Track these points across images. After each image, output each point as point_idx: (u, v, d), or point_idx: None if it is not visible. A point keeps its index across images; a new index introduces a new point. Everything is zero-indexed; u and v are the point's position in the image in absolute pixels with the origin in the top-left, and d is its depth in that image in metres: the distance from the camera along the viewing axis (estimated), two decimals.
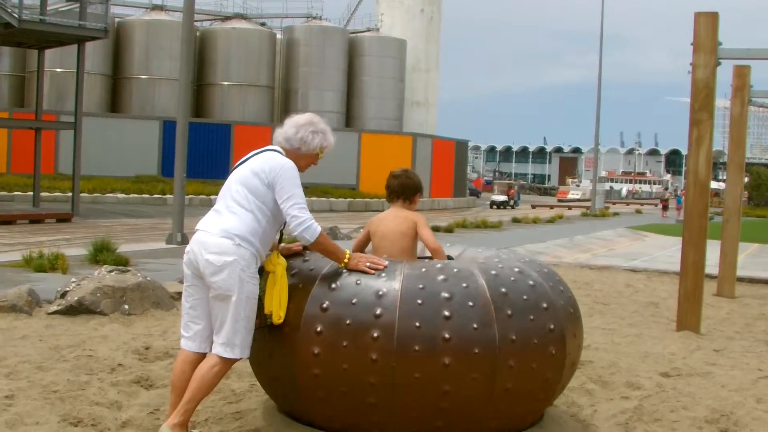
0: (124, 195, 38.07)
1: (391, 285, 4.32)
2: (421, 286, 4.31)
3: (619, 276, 14.58)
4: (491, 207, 56.67)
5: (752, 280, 14.53)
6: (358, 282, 4.34)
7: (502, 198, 59.27)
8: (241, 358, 4.40)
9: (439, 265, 4.51)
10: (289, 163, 4.42)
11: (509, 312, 4.36)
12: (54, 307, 8.21)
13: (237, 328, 4.29)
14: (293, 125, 4.56)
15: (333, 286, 4.36)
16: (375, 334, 4.19)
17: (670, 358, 7.31)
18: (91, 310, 8.15)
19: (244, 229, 4.31)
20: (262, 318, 4.42)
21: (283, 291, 4.38)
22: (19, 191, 34.82)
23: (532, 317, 4.43)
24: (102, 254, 12.81)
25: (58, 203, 31.45)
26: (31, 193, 28.52)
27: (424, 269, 4.44)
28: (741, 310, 11.01)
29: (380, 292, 4.28)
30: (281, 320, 4.36)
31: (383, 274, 4.38)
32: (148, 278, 8.89)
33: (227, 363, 4.35)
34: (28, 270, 11.69)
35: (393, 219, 4.99)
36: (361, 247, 5.09)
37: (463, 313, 4.26)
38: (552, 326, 4.51)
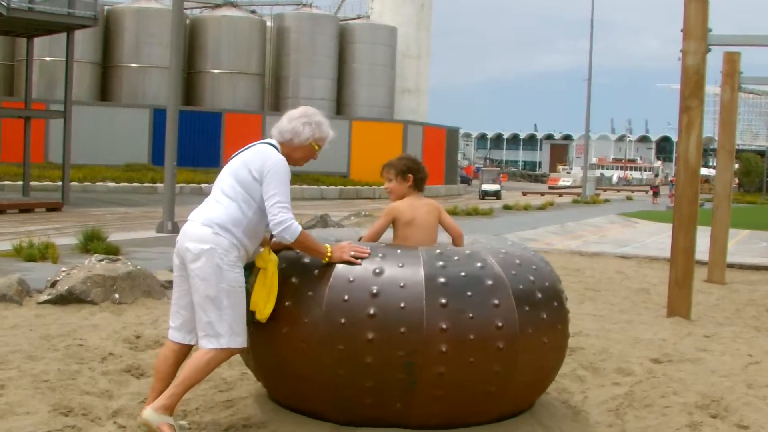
0: (114, 183, 37.86)
1: (495, 274, 4.40)
2: (513, 272, 4.48)
3: (609, 262, 14.61)
4: (481, 198, 47.89)
5: (742, 267, 14.57)
6: (464, 274, 4.34)
7: (495, 187, 49.84)
8: (230, 348, 4.29)
9: (504, 250, 4.71)
10: (280, 159, 4.39)
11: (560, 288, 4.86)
12: (44, 297, 8.19)
13: (222, 316, 4.24)
14: (287, 117, 4.58)
15: (442, 281, 4.28)
16: (499, 324, 4.28)
17: (660, 344, 7.33)
18: (82, 300, 8.12)
19: (225, 218, 4.31)
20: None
21: (274, 289, 4.35)
22: (8, 180, 34.61)
23: (564, 294, 4.91)
24: (92, 243, 12.77)
25: (48, 192, 31.30)
26: (21, 182, 28.36)
27: (501, 255, 4.61)
28: (731, 296, 11.05)
29: (490, 283, 4.34)
30: (265, 319, 4.32)
31: (478, 264, 4.43)
32: (139, 267, 8.87)
33: (220, 353, 4.29)
34: (18, 259, 11.65)
35: (424, 207, 4.92)
36: (379, 237, 4.93)
37: (546, 293, 4.59)
38: (564, 296, 4.97)
